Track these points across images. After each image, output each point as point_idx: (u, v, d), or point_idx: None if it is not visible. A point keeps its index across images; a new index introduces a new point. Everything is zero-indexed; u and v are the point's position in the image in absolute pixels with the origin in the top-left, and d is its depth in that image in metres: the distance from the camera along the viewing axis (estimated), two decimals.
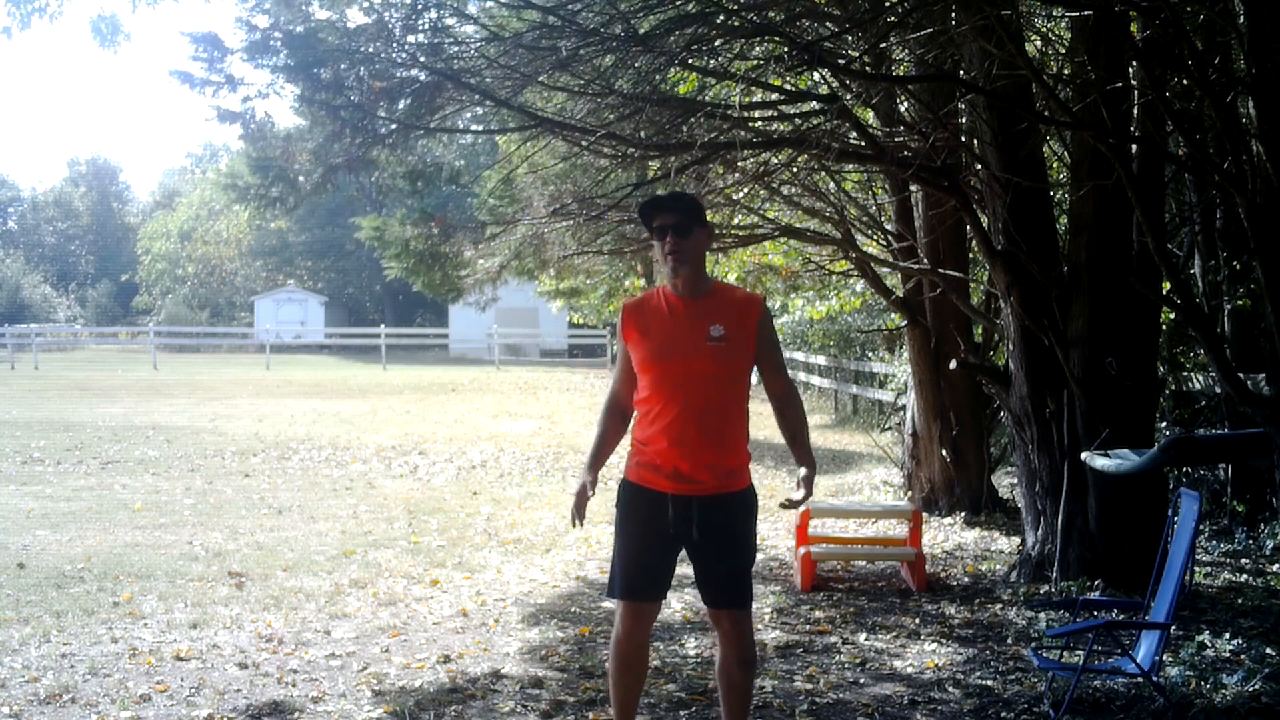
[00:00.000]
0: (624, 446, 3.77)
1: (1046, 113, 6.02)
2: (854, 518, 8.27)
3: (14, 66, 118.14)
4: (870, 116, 7.97)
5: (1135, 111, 6.08)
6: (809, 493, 3.57)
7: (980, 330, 8.98)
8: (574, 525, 3.64)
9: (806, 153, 6.52)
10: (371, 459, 12.55)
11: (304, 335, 43.70)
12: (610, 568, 3.68)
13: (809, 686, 4.72)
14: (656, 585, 3.61)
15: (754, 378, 3.70)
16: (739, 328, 3.51)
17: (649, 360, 3.53)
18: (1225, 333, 8.11)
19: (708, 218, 3.74)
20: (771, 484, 11.02)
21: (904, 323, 9.18)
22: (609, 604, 5.95)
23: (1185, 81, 5.87)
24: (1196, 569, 6.49)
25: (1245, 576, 6.55)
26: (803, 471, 3.58)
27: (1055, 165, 8.25)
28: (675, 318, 3.54)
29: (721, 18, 5.47)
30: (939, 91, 6.90)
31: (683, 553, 3.61)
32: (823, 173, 8.37)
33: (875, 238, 9.36)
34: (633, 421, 3.67)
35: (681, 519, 3.49)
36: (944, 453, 8.94)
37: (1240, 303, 8.01)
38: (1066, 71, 6.49)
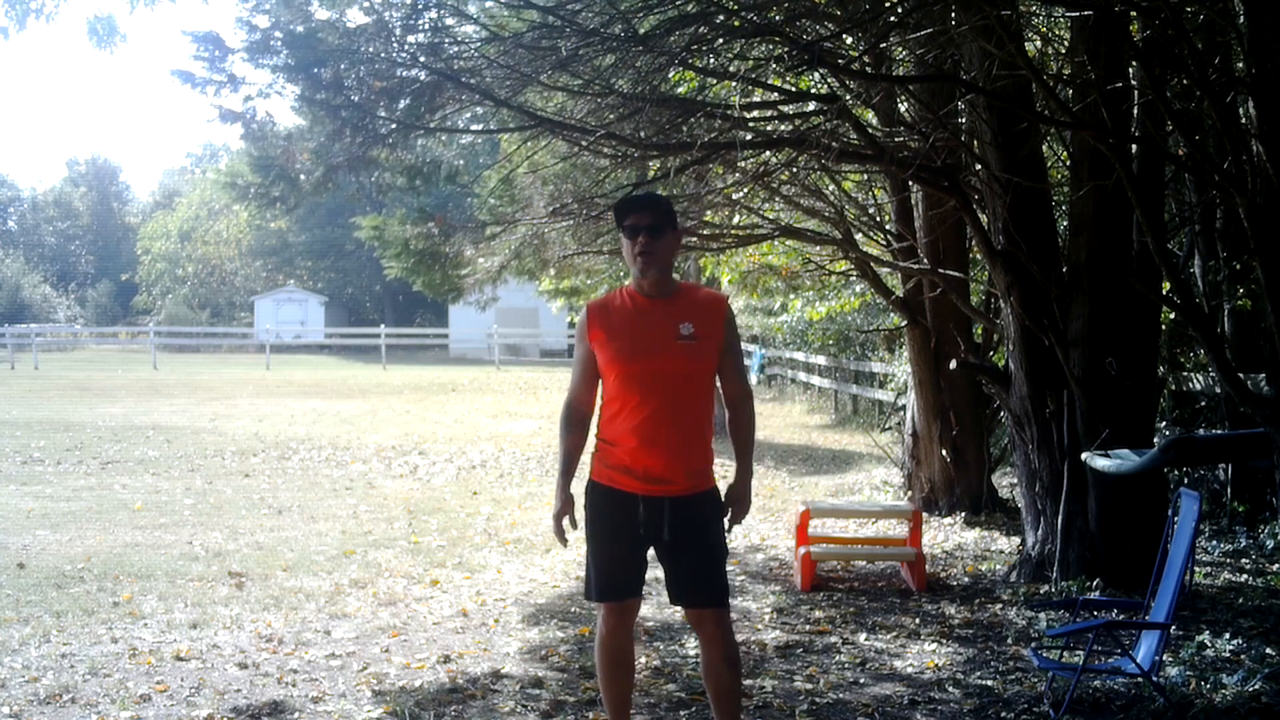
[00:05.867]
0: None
1: (1046, 113, 6.02)
2: (854, 518, 8.27)
3: (13, 67, 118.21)
4: (870, 116, 7.97)
5: (1135, 111, 6.08)
6: (745, 508, 3.64)
7: (980, 330, 8.97)
8: (564, 546, 3.70)
9: (806, 153, 6.52)
10: (371, 459, 12.55)
11: (304, 335, 43.70)
12: (585, 571, 3.68)
13: (809, 686, 4.72)
14: (633, 583, 3.62)
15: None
16: (707, 327, 3.52)
17: (617, 360, 3.51)
18: (1225, 333, 8.11)
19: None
20: (771, 484, 11.03)
21: (904, 323, 9.17)
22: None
23: (1185, 81, 5.87)
24: (1196, 569, 6.48)
25: (1245, 576, 6.55)
26: (734, 479, 3.63)
27: (1055, 165, 8.25)
28: (644, 316, 3.53)
29: (721, 18, 5.47)
30: (939, 91, 6.90)
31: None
32: (823, 173, 8.37)
33: (875, 238, 9.36)
34: (595, 422, 3.66)
35: (652, 520, 3.49)
36: (944, 453, 8.94)
37: (1240, 303, 8.01)
38: (1066, 71, 6.49)
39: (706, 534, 3.55)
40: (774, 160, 7.45)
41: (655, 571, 3.78)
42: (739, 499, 3.63)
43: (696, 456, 3.53)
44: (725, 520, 3.61)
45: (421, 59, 6.89)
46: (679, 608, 5.89)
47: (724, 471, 3.57)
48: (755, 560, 7.39)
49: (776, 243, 10.59)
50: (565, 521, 3.63)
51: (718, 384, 3.66)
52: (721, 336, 3.54)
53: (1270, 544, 7.07)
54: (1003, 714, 4.37)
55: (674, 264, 3.70)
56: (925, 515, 8.37)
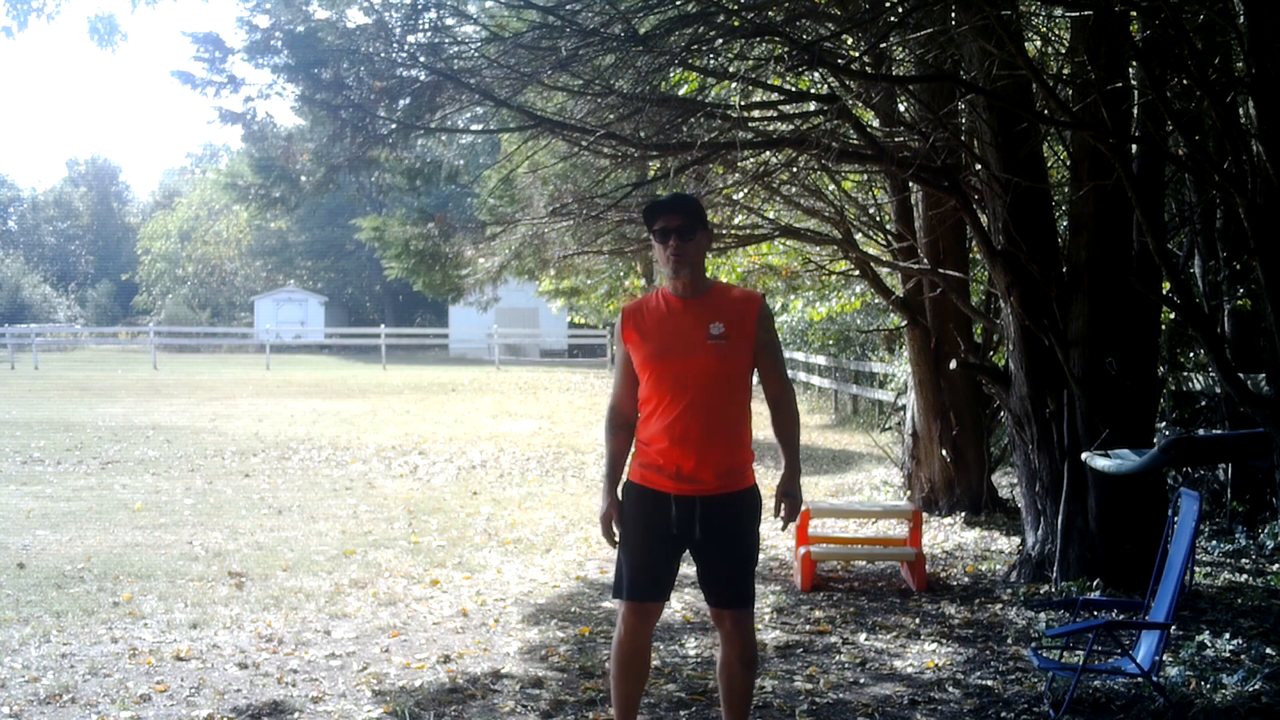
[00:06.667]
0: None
1: (1046, 113, 6.02)
2: (854, 518, 8.27)
3: (13, 66, 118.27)
4: (870, 116, 7.97)
5: (1135, 111, 6.07)
6: (796, 505, 3.62)
7: (980, 330, 8.97)
8: (614, 547, 3.68)
9: (806, 153, 6.52)
10: (371, 459, 12.55)
11: (304, 335, 43.68)
12: (615, 569, 3.68)
13: (809, 686, 4.72)
14: (660, 586, 3.62)
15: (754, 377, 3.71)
16: (739, 325, 3.51)
17: (650, 360, 3.53)
18: (1225, 333, 8.11)
19: (708, 219, 3.75)
20: (772, 484, 11.00)
21: (904, 323, 9.18)
22: (609, 604, 5.95)
23: (1185, 81, 5.87)
24: (1196, 569, 6.48)
25: (1245, 576, 6.55)
26: (782, 476, 3.63)
27: (1055, 165, 8.25)
28: (675, 317, 3.54)
29: (721, 18, 5.48)
30: (939, 91, 6.90)
31: (686, 552, 3.62)
32: (823, 173, 8.37)
33: (875, 238, 9.36)
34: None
35: (684, 519, 3.49)
36: (944, 453, 8.94)
37: (1240, 303, 8.01)
38: (1066, 71, 6.49)
39: (737, 534, 3.55)
40: (774, 160, 7.45)
41: None
42: (788, 493, 3.61)
43: (730, 455, 3.52)
44: (779, 517, 3.61)
45: (421, 59, 6.89)
46: (677, 607, 5.92)
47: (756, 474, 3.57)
48: (758, 560, 7.38)
49: (776, 243, 10.59)
50: (612, 523, 3.64)
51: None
52: (754, 335, 3.53)
53: (1270, 544, 7.07)
54: (1003, 714, 4.37)
55: (705, 262, 3.70)
56: (925, 515, 8.37)
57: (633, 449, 3.65)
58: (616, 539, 3.65)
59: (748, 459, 3.60)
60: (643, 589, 3.58)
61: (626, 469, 3.66)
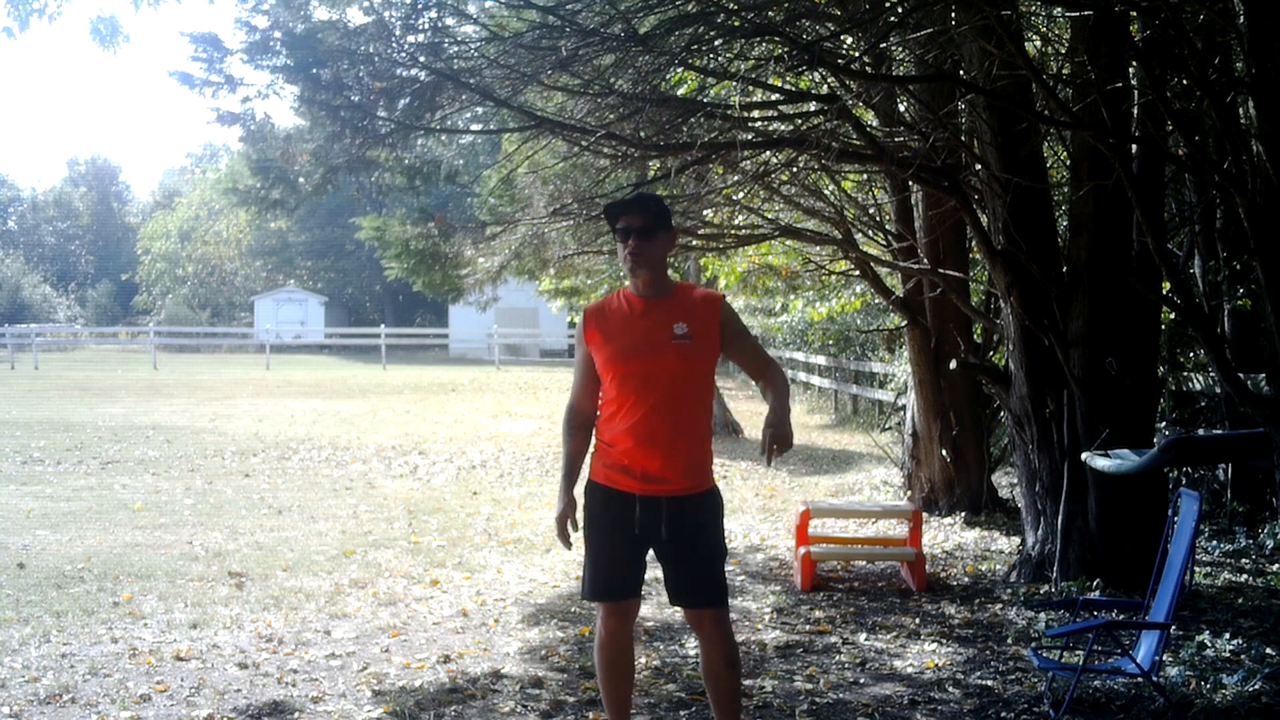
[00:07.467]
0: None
1: (1046, 113, 6.02)
2: (854, 518, 8.27)
3: (14, 67, 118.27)
4: (870, 116, 7.97)
5: (1135, 111, 6.07)
6: (784, 437, 3.38)
7: (980, 330, 8.97)
8: (568, 548, 3.68)
9: (806, 153, 6.52)
10: (371, 459, 12.55)
11: (304, 335, 43.70)
12: (583, 571, 3.69)
13: (809, 686, 4.72)
14: (630, 584, 3.62)
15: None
16: (702, 325, 3.51)
17: (613, 360, 3.52)
18: (1225, 333, 8.11)
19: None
20: (771, 484, 11.03)
21: (904, 323, 9.17)
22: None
23: (1185, 81, 5.87)
24: (1196, 569, 6.49)
25: (1245, 576, 6.55)
26: (767, 415, 3.43)
27: (1055, 165, 8.25)
28: (638, 317, 3.54)
29: (721, 18, 5.48)
30: (939, 91, 6.90)
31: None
32: (823, 173, 8.37)
33: (875, 238, 9.36)
34: (596, 424, 3.66)
35: (649, 520, 3.49)
36: (944, 453, 8.94)
37: (1240, 303, 8.01)
38: (1066, 71, 6.49)
39: (704, 535, 3.55)
40: (774, 160, 7.44)
41: (655, 571, 3.79)
42: (776, 424, 3.37)
43: (694, 456, 3.52)
44: (764, 454, 3.39)
45: (421, 59, 6.89)
46: (679, 608, 5.91)
47: (724, 471, 3.56)
48: (755, 560, 7.39)
49: (776, 243, 10.59)
50: (568, 524, 3.63)
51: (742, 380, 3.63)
52: (718, 334, 3.54)
53: (1270, 544, 7.07)
54: (1003, 714, 4.37)
55: (668, 264, 3.69)
56: (925, 515, 8.37)
57: (595, 449, 3.64)
58: (571, 541, 3.64)
59: (709, 459, 3.60)
60: (615, 588, 3.59)
61: (590, 469, 3.65)
